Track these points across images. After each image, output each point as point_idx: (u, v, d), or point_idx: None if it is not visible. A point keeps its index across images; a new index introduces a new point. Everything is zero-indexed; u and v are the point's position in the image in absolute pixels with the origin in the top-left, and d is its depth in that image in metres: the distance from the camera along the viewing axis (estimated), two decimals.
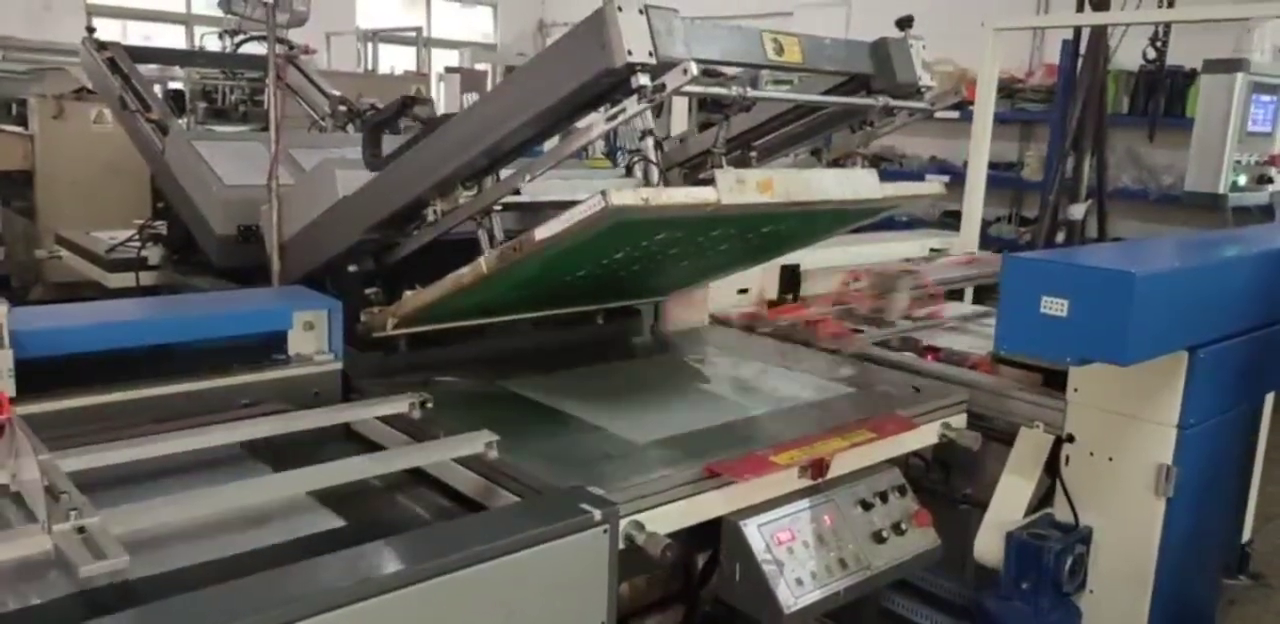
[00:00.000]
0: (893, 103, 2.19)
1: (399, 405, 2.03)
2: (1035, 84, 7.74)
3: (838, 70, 2.14)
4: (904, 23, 2.30)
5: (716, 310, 3.06)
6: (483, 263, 1.97)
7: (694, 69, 1.70)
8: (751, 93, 1.92)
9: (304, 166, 2.98)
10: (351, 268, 2.42)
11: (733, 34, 1.93)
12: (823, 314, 3.06)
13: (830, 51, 2.08)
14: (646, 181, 1.85)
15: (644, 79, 1.72)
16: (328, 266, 2.45)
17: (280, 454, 1.93)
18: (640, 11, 1.71)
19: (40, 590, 1.37)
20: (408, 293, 2.21)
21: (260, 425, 1.92)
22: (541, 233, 1.82)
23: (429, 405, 2.03)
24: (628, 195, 1.70)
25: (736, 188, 1.84)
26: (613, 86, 1.78)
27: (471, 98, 9.10)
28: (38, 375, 1.86)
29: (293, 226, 2.56)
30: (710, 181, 1.83)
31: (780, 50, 1.93)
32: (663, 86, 1.72)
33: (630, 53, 1.68)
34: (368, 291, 2.39)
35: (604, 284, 2.45)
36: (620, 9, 1.68)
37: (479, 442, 1.79)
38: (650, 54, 1.70)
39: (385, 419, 2.07)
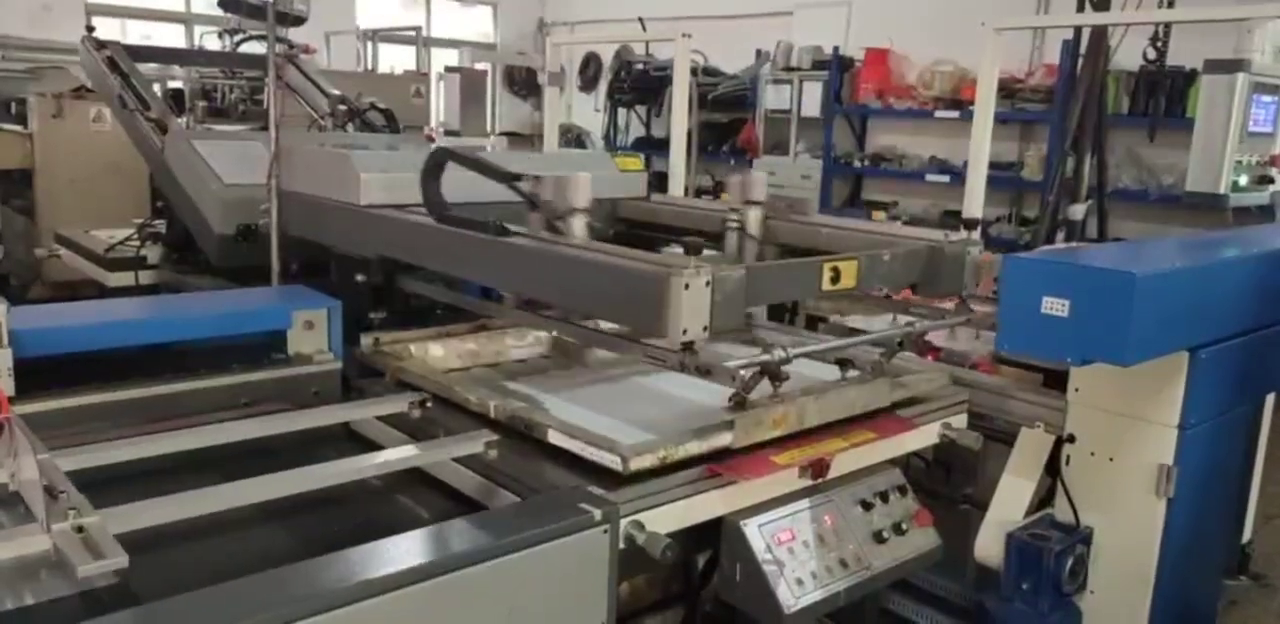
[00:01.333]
0: (927, 328, 2.22)
1: (398, 405, 2.03)
2: (1035, 84, 7.73)
3: (886, 287, 2.13)
4: (971, 225, 2.31)
5: None
6: (491, 410, 1.97)
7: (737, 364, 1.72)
8: (794, 352, 1.85)
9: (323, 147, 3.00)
10: (360, 277, 2.43)
11: (793, 273, 1.93)
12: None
13: (884, 269, 2.07)
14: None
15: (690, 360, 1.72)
16: (330, 257, 2.47)
17: (280, 453, 1.92)
18: (706, 286, 1.64)
19: (39, 590, 1.36)
20: (412, 347, 2.22)
21: (259, 424, 1.92)
22: (554, 439, 1.82)
23: (428, 404, 2.02)
24: (647, 458, 1.69)
25: (754, 430, 1.84)
26: None
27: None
28: (37, 374, 1.86)
29: (293, 186, 2.57)
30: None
31: (837, 278, 1.93)
32: (699, 364, 1.72)
33: (685, 332, 1.64)
34: (372, 316, 2.40)
35: None
36: (687, 287, 1.61)
37: (479, 441, 1.78)
38: (704, 330, 1.66)
39: (385, 418, 2.06)
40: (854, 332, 2.96)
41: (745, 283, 1.74)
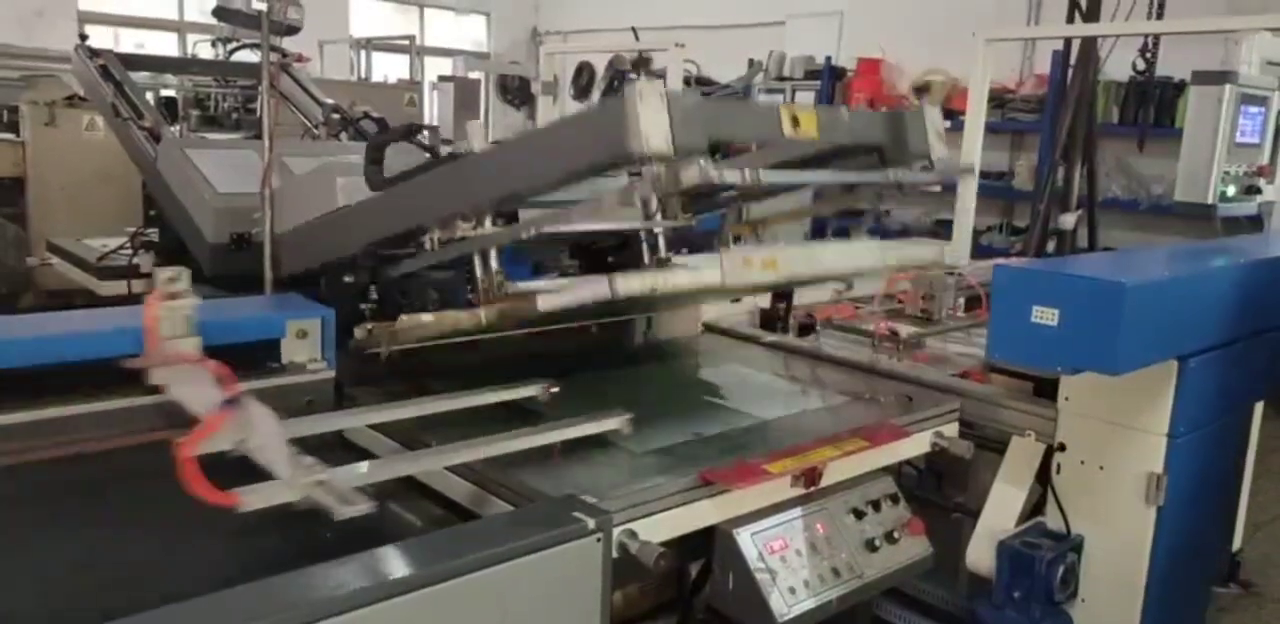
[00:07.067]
0: (904, 180, 2.19)
1: (393, 413, 2.03)
2: (1026, 94, 7.79)
3: (852, 143, 2.13)
4: (921, 89, 2.32)
5: (709, 319, 3.07)
6: (481, 315, 1.97)
7: (711, 173, 1.71)
8: (764, 178, 1.86)
9: (297, 174, 2.98)
10: (347, 278, 2.42)
11: (751, 111, 1.93)
12: (873, 314, 3.21)
13: (845, 124, 2.07)
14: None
15: (658, 168, 1.71)
16: (322, 271, 2.45)
17: None
18: (661, 97, 1.68)
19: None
20: (404, 317, 2.21)
21: None
22: (544, 303, 1.82)
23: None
24: (634, 284, 1.71)
25: (741, 269, 1.85)
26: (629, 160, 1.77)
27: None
28: (26, 384, 1.86)
29: (285, 225, 2.56)
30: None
31: (796, 124, 1.92)
32: (676, 181, 1.71)
33: (648, 142, 1.66)
34: (363, 307, 2.39)
35: (600, 310, 2.46)
36: (641, 98, 1.66)
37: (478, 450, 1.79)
38: (667, 142, 1.68)
39: (377, 427, 2.06)
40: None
41: (702, 109, 1.76)
